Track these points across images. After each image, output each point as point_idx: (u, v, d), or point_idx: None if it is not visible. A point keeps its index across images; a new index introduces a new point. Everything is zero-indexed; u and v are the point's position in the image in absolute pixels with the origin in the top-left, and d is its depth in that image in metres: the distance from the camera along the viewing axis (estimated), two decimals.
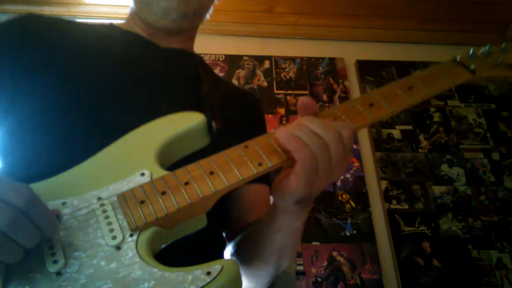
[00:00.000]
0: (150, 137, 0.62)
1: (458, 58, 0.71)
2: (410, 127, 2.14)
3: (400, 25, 2.40)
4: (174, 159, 0.64)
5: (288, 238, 0.67)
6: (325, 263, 1.77)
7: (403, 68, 2.29)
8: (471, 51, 0.72)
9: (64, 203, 0.54)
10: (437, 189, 1.97)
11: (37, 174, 0.58)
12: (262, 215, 0.75)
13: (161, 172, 0.58)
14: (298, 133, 0.55)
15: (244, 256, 0.76)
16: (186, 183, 0.56)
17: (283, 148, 0.58)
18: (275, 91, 2.19)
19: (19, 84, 0.69)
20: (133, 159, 0.60)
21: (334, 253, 1.80)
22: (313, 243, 1.81)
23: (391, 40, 2.39)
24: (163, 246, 0.57)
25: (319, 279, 1.74)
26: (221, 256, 0.77)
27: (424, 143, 2.10)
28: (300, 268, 1.75)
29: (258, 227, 0.72)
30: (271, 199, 0.77)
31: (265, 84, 2.21)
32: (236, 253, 0.78)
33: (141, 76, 0.75)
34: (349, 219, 1.87)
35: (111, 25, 0.86)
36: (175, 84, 0.79)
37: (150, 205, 0.54)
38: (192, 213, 0.57)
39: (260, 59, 2.28)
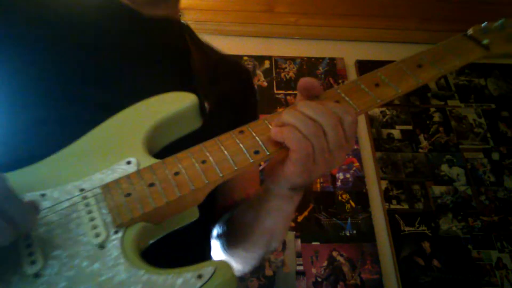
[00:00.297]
0: (137, 121, 0.57)
1: (470, 32, 0.66)
2: (410, 127, 2.14)
3: (400, 25, 2.40)
4: (163, 144, 0.60)
5: (279, 221, 0.64)
6: (325, 263, 1.77)
7: None
8: (483, 25, 0.66)
9: (43, 195, 0.50)
10: (437, 189, 1.97)
11: (13, 161, 0.54)
12: (250, 194, 0.72)
13: (149, 160, 0.53)
14: (291, 119, 0.52)
15: (231, 237, 0.74)
16: (176, 173, 0.51)
17: None
18: (275, 91, 2.19)
19: None
20: (118, 146, 0.55)
21: (334, 253, 1.80)
22: (313, 243, 1.81)
23: (391, 40, 2.39)
24: (151, 242, 0.53)
25: (319, 279, 1.74)
26: (208, 245, 0.74)
27: (424, 143, 2.10)
28: (300, 268, 1.75)
29: (248, 208, 0.68)
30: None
31: (265, 84, 2.21)
32: (223, 234, 0.76)
33: (124, 49, 0.69)
34: (349, 219, 1.87)
35: None
36: (162, 57, 0.73)
37: (137, 198, 0.49)
38: (183, 206, 0.52)
39: (260, 59, 2.28)
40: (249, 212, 0.67)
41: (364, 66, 2.29)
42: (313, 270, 1.75)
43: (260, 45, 2.33)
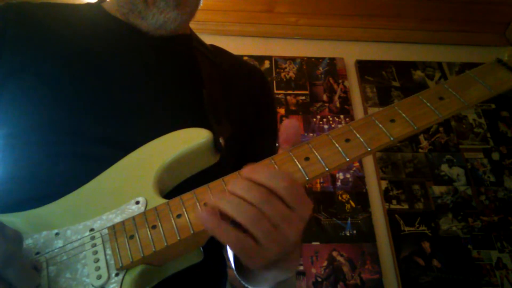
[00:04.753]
0: (149, 160, 0.57)
1: (506, 57, 0.58)
2: None
3: (400, 25, 2.40)
4: (177, 181, 0.59)
5: (277, 276, 0.59)
6: (325, 263, 1.77)
7: (403, 68, 2.29)
8: None
9: (57, 234, 0.52)
10: (437, 189, 1.97)
11: (30, 198, 0.55)
12: None
13: (157, 200, 0.54)
14: (221, 203, 0.45)
15: (240, 271, 0.72)
16: (178, 216, 0.50)
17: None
18: (275, 91, 2.19)
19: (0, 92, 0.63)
20: (129, 185, 0.56)
21: (334, 253, 1.80)
22: (313, 243, 1.81)
23: (391, 40, 2.39)
24: (154, 283, 0.53)
25: (319, 279, 1.74)
26: (219, 277, 0.72)
27: (424, 143, 2.10)
28: (300, 268, 1.75)
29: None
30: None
31: None
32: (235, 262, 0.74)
33: (137, 82, 0.68)
34: (349, 219, 1.87)
35: (98, 5, 0.76)
36: (172, 84, 0.71)
37: (138, 241, 0.49)
38: (184, 248, 0.52)
39: (260, 59, 2.28)
40: (248, 273, 0.62)
41: (364, 66, 2.29)
42: (313, 270, 1.75)
43: (260, 45, 2.33)
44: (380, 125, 0.52)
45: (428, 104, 0.54)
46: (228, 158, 0.62)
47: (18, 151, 0.62)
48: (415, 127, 0.52)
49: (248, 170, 0.47)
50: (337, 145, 0.52)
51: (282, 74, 2.25)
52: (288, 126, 0.52)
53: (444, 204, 1.94)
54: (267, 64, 2.28)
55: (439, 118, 0.53)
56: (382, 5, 2.33)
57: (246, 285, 0.74)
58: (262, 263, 0.47)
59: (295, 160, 0.51)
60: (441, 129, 2.15)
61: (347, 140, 0.52)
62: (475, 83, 0.55)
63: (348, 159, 0.51)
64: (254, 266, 0.48)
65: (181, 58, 0.75)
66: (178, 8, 0.70)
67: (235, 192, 0.46)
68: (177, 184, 0.59)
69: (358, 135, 0.52)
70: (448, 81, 0.56)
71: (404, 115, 0.53)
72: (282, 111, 2.13)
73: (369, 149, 0.51)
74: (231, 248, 0.46)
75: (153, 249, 0.49)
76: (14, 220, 0.54)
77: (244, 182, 0.46)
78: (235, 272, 0.76)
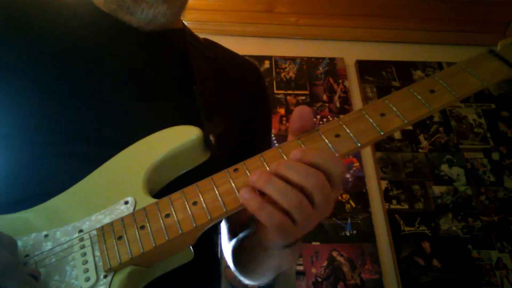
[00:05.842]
0: (138, 159, 0.56)
1: (498, 48, 0.57)
2: (410, 127, 2.14)
3: (400, 25, 2.39)
4: (168, 180, 0.59)
5: (285, 262, 0.62)
6: (325, 263, 1.77)
7: (403, 68, 2.29)
8: None
9: (46, 236, 0.51)
10: (437, 189, 1.97)
11: (19, 200, 0.55)
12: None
13: (147, 200, 0.53)
14: (268, 188, 0.46)
15: (242, 261, 0.73)
16: (167, 215, 0.50)
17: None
18: (275, 91, 2.19)
19: None
20: (119, 185, 0.55)
21: (334, 253, 1.80)
22: (313, 243, 1.81)
23: (391, 40, 2.39)
24: (144, 284, 0.52)
25: (319, 279, 1.74)
26: (213, 276, 0.72)
27: (424, 143, 2.10)
28: (300, 268, 1.75)
29: (252, 247, 0.64)
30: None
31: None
32: (235, 252, 0.75)
33: (127, 80, 0.67)
34: (349, 219, 1.87)
35: (88, 1, 0.75)
36: (162, 80, 0.70)
37: (126, 242, 0.49)
38: (173, 249, 0.51)
39: (260, 59, 2.28)
40: (254, 253, 0.64)
41: (364, 66, 2.29)
42: (313, 270, 1.75)
43: (260, 45, 2.32)
44: (370, 120, 0.52)
45: (419, 97, 0.52)
46: (219, 156, 0.62)
47: (11, 152, 0.61)
48: (406, 121, 0.51)
49: (301, 152, 0.47)
50: (326, 140, 0.52)
51: (282, 74, 2.25)
52: (302, 115, 0.52)
53: (444, 204, 1.94)
54: (267, 64, 2.28)
55: (429, 111, 0.52)
56: (382, 5, 2.33)
57: (244, 277, 0.75)
58: (290, 238, 0.49)
59: (284, 156, 0.52)
60: (441, 129, 2.15)
61: (337, 136, 0.52)
62: (467, 75, 0.54)
63: (337, 155, 0.51)
64: (279, 241, 0.51)
65: (173, 54, 0.74)
66: (167, 2, 0.69)
67: (290, 177, 0.46)
68: (167, 183, 0.59)
69: (348, 130, 0.52)
70: (439, 73, 0.55)
71: (394, 109, 0.52)
72: (282, 111, 2.13)
73: (359, 145, 0.51)
74: (268, 225, 0.46)
75: (141, 250, 0.48)
76: (9, 217, 0.53)
77: (301, 167, 0.46)
78: (233, 269, 0.77)
